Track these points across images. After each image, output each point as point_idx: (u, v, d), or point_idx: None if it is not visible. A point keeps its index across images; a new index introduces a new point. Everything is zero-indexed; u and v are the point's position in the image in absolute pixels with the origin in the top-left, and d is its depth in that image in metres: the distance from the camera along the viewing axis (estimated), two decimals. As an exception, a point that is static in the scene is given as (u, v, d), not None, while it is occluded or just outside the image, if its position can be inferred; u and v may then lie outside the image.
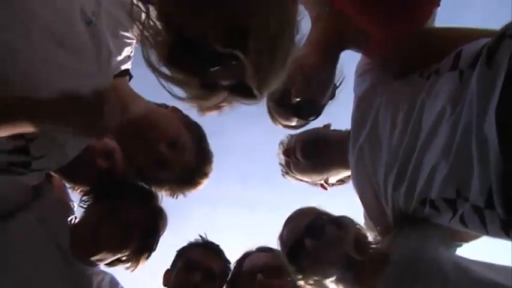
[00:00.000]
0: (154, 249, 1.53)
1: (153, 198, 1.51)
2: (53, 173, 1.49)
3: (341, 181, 1.59)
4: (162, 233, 1.54)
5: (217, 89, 0.83)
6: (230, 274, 1.69)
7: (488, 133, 0.80)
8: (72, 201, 1.57)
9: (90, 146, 1.39)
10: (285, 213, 1.46)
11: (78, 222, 1.45)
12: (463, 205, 0.88)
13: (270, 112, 1.53)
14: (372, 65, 1.31)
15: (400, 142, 1.07)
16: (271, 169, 1.79)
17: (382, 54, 1.24)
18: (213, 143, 1.60)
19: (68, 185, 1.56)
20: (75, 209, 1.55)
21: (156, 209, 1.51)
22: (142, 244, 1.46)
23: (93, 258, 1.39)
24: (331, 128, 1.59)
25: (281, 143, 1.64)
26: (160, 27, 0.76)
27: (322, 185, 1.58)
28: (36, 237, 1.30)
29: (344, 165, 1.41)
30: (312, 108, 1.43)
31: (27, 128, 0.94)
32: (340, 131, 1.58)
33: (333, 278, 1.21)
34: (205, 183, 1.50)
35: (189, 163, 1.38)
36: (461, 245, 1.19)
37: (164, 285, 1.69)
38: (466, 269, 1.01)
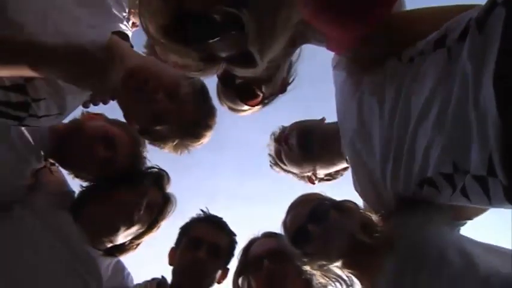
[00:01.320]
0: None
1: (166, 180, 1.55)
2: (52, 160, 1.46)
3: (329, 176, 1.59)
4: (171, 214, 1.56)
5: (216, 61, 0.84)
6: (237, 262, 1.67)
7: (486, 100, 0.78)
8: (73, 191, 1.55)
9: (89, 131, 1.37)
10: (282, 205, 1.47)
11: (93, 208, 1.42)
12: (462, 179, 0.88)
13: (217, 91, 1.51)
14: (344, 57, 1.29)
15: (390, 129, 1.07)
16: (267, 162, 1.80)
17: (345, 49, 1.21)
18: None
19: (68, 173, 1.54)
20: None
21: (166, 191, 1.55)
22: (153, 223, 1.49)
23: (109, 240, 1.39)
24: (326, 121, 1.59)
25: (273, 134, 1.63)
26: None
27: (309, 178, 1.57)
28: (36, 229, 1.29)
29: (335, 158, 1.41)
30: (251, 92, 1.41)
31: (28, 73, 0.95)
32: (334, 124, 1.56)
33: (339, 263, 1.21)
34: (209, 136, 1.48)
35: (191, 115, 1.36)
36: (464, 224, 1.20)
37: (170, 264, 1.68)
38: (470, 258, 1.00)
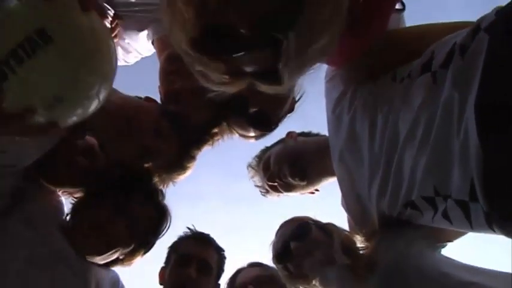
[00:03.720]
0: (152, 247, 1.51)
1: (159, 194, 1.49)
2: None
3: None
4: (166, 231, 1.51)
5: (241, 75, 0.83)
6: None
7: (468, 126, 0.79)
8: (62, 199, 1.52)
9: (67, 144, 1.34)
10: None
11: (81, 220, 1.39)
12: (443, 202, 0.89)
13: (227, 120, 1.51)
14: (340, 71, 1.29)
15: (380, 149, 1.08)
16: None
17: (343, 63, 1.22)
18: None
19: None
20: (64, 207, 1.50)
21: (161, 206, 1.49)
22: (144, 241, 1.44)
23: (99, 258, 1.36)
24: (296, 133, 1.61)
25: (249, 166, 1.65)
26: (190, 11, 0.74)
27: (311, 192, 1.60)
28: (24, 240, 1.27)
29: (328, 167, 1.39)
30: (266, 120, 1.42)
31: None
32: (308, 134, 1.61)
33: (319, 282, 1.24)
34: (192, 167, 1.51)
35: (175, 148, 1.39)
36: (445, 246, 1.21)
37: (160, 284, 1.69)
38: (451, 279, 1.02)
